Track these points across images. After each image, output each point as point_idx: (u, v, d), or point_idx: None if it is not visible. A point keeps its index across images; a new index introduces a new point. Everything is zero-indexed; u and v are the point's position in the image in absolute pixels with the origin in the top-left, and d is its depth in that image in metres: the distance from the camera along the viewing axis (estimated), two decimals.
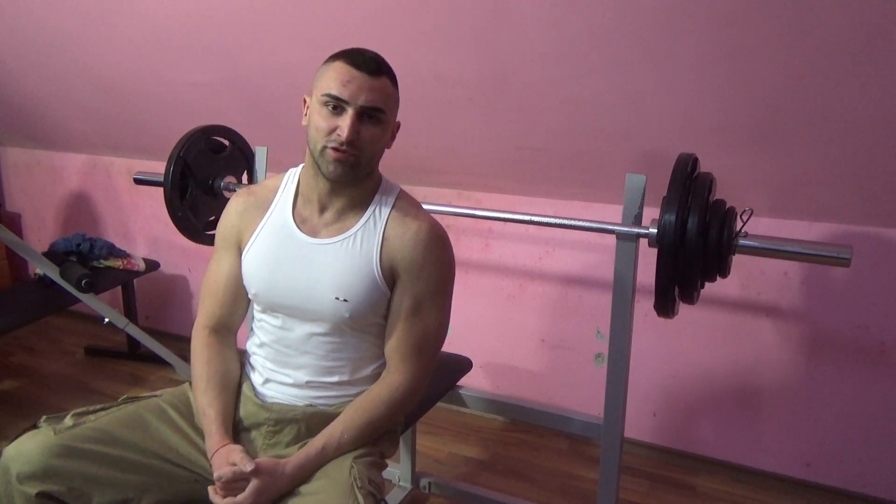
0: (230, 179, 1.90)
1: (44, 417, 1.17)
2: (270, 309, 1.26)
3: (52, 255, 2.54)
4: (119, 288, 2.81)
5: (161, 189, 1.83)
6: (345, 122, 1.12)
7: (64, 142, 3.05)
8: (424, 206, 1.75)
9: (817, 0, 1.30)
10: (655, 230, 1.35)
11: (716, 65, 1.50)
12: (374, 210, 1.23)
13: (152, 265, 2.82)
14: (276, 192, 1.28)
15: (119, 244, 2.88)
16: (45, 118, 2.86)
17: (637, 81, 1.62)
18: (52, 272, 2.24)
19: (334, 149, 1.14)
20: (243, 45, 2.00)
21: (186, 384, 1.33)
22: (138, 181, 2.02)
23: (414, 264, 1.20)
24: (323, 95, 1.13)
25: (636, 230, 1.42)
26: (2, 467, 1.12)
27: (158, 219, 2.91)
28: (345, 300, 1.19)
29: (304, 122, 1.19)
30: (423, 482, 1.96)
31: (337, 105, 1.13)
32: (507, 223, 2.23)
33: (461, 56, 1.73)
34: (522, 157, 2.00)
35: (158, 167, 1.88)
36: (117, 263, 2.73)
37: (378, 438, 1.27)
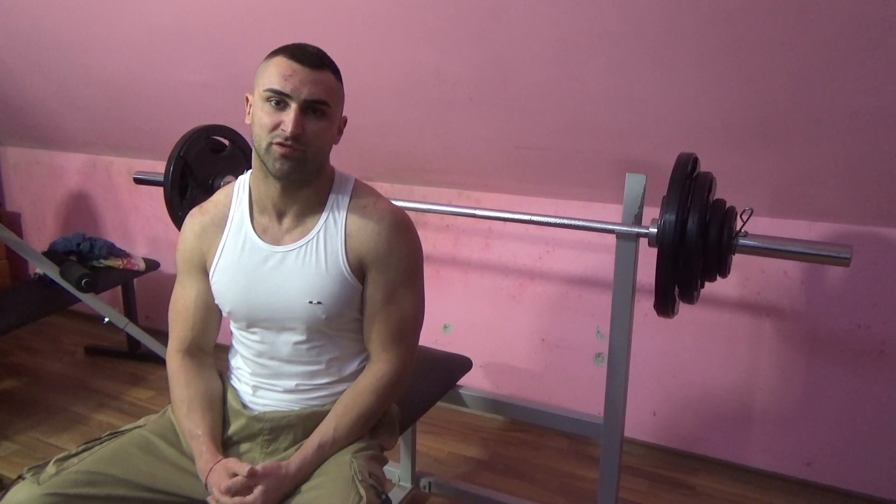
0: (230, 179, 1.90)
1: (26, 469, 1.12)
2: (247, 324, 1.24)
3: (52, 254, 2.54)
4: (119, 288, 2.81)
5: (161, 189, 1.83)
6: (288, 116, 1.10)
7: (64, 142, 3.05)
8: (424, 206, 1.77)
9: (817, 0, 1.30)
10: (655, 230, 1.36)
11: (716, 64, 1.50)
12: (332, 207, 1.21)
13: (152, 265, 2.82)
14: (230, 206, 1.25)
15: (119, 244, 2.88)
16: (45, 118, 2.86)
17: (637, 81, 1.62)
18: (52, 272, 2.24)
19: (279, 144, 1.11)
20: (243, 45, 2.00)
21: (168, 409, 1.30)
22: (138, 181, 2.02)
23: (381, 255, 1.20)
24: (265, 91, 1.11)
25: (636, 230, 1.42)
26: None
27: (158, 219, 2.91)
28: (319, 303, 1.18)
29: (247, 121, 1.17)
30: (423, 482, 1.96)
31: (280, 100, 1.10)
32: (507, 223, 2.23)
33: (461, 56, 1.73)
34: (522, 157, 2.00)
35: (158, 167, 1.88)
36: (117, 263, 2.73)
37: (375, 430, 1.28)
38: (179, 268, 1.30)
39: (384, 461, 1.27)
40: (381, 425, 1.30)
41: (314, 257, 1.19)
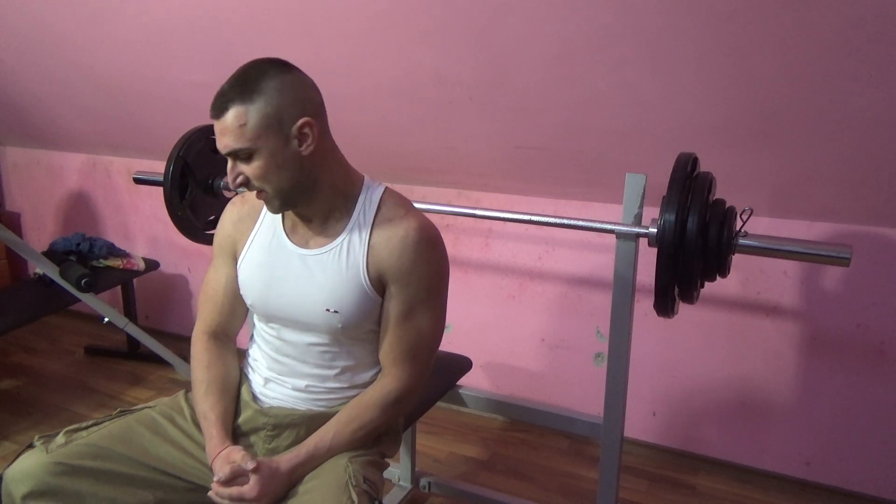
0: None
1: (37, 437, 1.17)
2: (266, 319, 1.26)
3: (51, 254, 2.54)
4: (119, 287, 2.81)
5: (161, 189, 1.83)
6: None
7: (64, 142, 3.05)
8: (424, 206, 1.76)
9: (817, 0, 1.30)
10: (655, 230, 1.35)
11: (716, 64, 1.50)
12: (359, 215, 1.18)
13: (152, 265, 2.82)
14: None
15: (119, 244, 2.88)
16: (45, 118, 2.86)
17: (637, 81, 1.62)
18: (52, 272, 2.24)
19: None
20: (243, 45, 2.00)
21: (180, 393, 1.32)
22: (138, 181, 2.02)
23: (402, 271, 1.16)
24: None
25: (636, 230, 1.42)
26: (5, 491, 1.13)
27: (158, 218, 2.91)
28: (335, 311, 1.17)
29: None
30: (423, 482, 1.96)
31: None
32: (507, 223, 2.23)
33: (461, 55, 1.73)
34: (522, 157, 2.00)
35: (158, 167, 1.88)
36: (117, 263, 2.73)
37: (378, 438, 1.27)
38: (214, 252, 1.32)
39: (383, 467, 1.27)
40: (384, 434, 1.29)
41: (335, 266, 1.17)
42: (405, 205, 1.22)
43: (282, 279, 1.20)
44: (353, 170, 1.22)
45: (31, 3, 2.17)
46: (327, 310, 1.17)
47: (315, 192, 1.15)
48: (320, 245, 1.19)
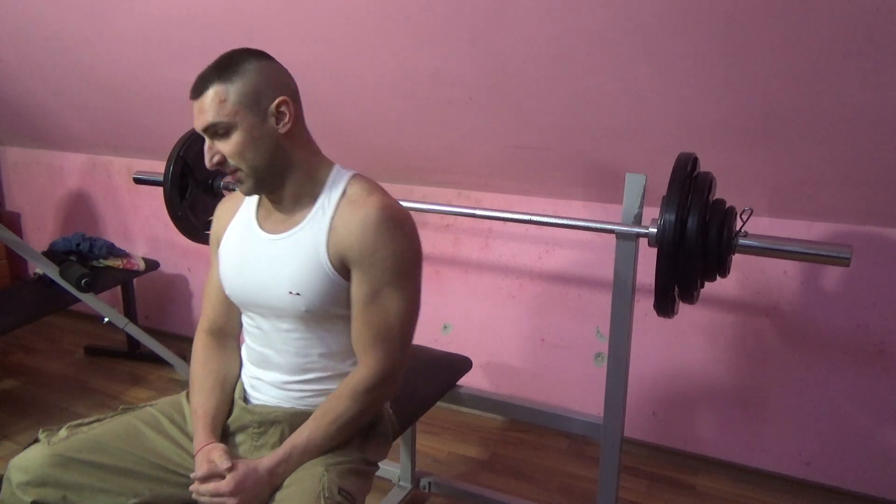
0: (229, 180, 1.90)
1: (41, 430, 1.21)
2: (243, 307, 1.28)
3: (51, 254, 2.54)
4: (119, 287, 2.81)
5: (161, 189, 1.83)
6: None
7: (64, 142, 3.05)
8: (424, 206, 1.76)
9: (817, 0, 1.30)
10: (655, 230, 1.36)
11: (716, 64, 1.50)
12: (324, 199, 1.18)
13: (152, 265, 2.82)
14: None
15: (119, 244, 2.88)
16: (45, 118, 2.86)
17: (637, 81, 1.62)
18: (52, 272, 2.24)
19: (221, 174, 1.15)
20: (243, 44, 1.99)
21: (183, 392, 1.34)
22: (138, 181, 2.02)
23: (364, 252, 1.13)
24: None
25: (636, 230, 1.42)
26: (6, 478, 1.17)
27: (158, 218, 2.91)
28: (298, 294, 1.16)
29: None
30: (423, 482, 1.96)
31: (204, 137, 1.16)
32: (507, 223, 2.23)
33: (461, 56, 1.73)
34: (522, 157, 2.00)
35: (158, 167, 1.88)
36: (117, 263, 2.73)
37: (365, 442, 1.26)
38: (211, 249, 1.35)
39: (368, 474, 1.25)
40: (373, 436, 1.27)
41: (297, 248, 1.17)
42: (370, 187, 1.20)
43: (251, 264, 1.22)
44: (325, 157, 1.24)
45: (32, 3, 2.17)
46: (290, 292, 1.16)
47: (287, 175, 1.18)
48: (287, 229, 1.20)
